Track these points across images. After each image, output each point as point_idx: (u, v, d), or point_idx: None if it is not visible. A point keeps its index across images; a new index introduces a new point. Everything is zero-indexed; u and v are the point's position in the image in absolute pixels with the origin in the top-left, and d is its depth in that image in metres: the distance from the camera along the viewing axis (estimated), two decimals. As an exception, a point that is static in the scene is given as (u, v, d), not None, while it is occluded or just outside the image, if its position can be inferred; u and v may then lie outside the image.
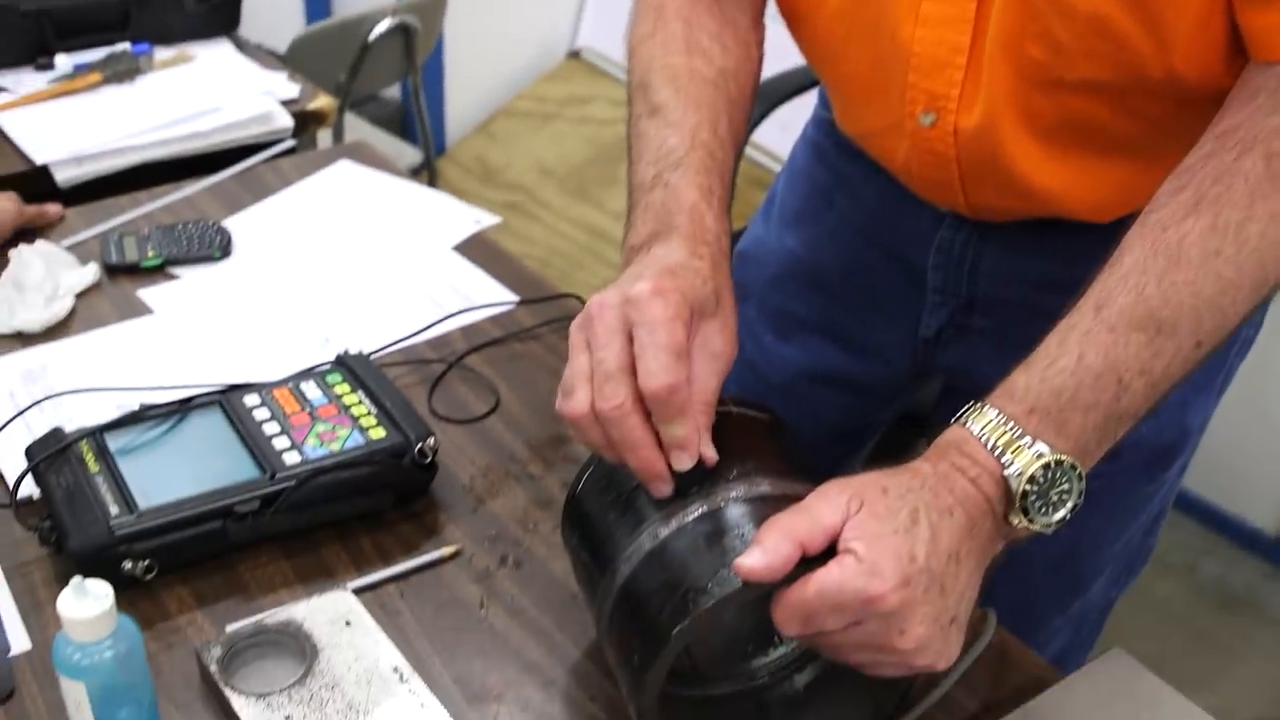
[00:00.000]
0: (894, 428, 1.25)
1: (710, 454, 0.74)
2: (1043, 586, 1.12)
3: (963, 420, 0.71)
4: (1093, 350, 0.70)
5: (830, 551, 0.66)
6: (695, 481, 0.73)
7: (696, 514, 0.71)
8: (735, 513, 0.71)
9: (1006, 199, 0.93)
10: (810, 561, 0.66)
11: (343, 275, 1.34)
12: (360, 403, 1.06)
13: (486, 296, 1.29)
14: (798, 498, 0.68)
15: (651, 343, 0.70)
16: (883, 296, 1.09)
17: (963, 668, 0.83)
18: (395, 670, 0.84)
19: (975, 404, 0.71)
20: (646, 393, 0.70)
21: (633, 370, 0.71)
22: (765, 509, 0.69)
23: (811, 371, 1.18)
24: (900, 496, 0.67)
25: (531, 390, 1.16)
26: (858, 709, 0.79)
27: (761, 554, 0.65)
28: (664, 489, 0.73)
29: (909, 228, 1.04)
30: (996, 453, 0.69)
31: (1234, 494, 2.51)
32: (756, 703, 0.82)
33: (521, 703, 0.84)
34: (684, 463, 0.73)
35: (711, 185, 0.82)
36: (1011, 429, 0.69)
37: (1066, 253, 0.79)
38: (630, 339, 0.72)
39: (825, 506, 0.67)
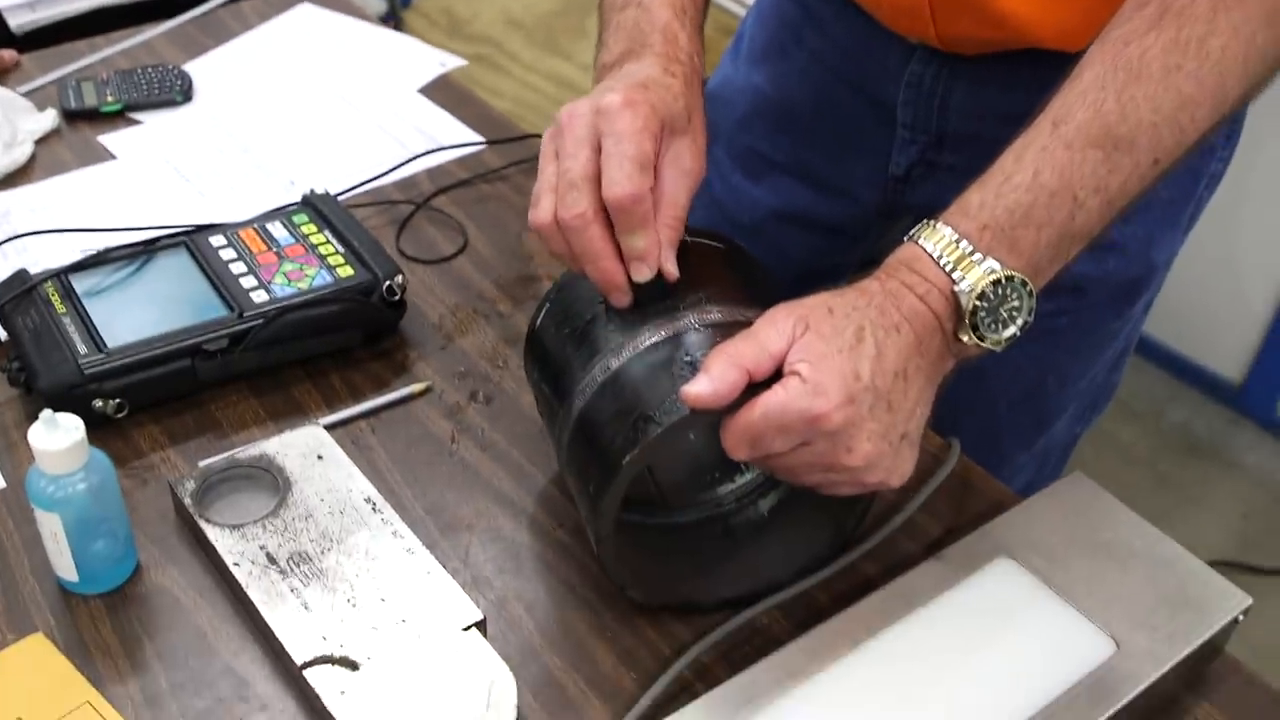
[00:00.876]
0: (863, 269, 1.23)
1: (671, 269, 0.73)
2: (1007, 421, 1.13)
3: (915, 237, 0.70)
4: (1048, 167, 0.68)
5: (779, 376, 0.66)
6: (650, 310, 0.72)
7: (647, 343, 0.70)
8: (686, 341, 0.70)
9: (977, 27, 0.91)
10: (758, 386, 0.65)
11: (307, 118, 1.32)
12: (327, 242, 1.05)
13: (453, 138, 1.27)
14: (749, 324, 0.67)
15: (617, 152, 0.70)
16: (852, 134, 1.08)
17: (925, 493, 0.84)
18: (368, 501, 0.83)
19: (928, 221, 0.70)
20: (609, 201, 0.70)
21: (598, 180, 0.71)
22: (716, 336, 0.69)
23: (780, 211, 1.16)
24: (846, 315, 0.66)
25: (500, 231, 1.15)
26: (819, 529, 0.80)
27: (708, 381, 0.64)
28: (622, 299, 0.73)
29: (878, 63, 1.02)
30: (948, 269, 0.68)
31: (1199, 342, 2.53)
32: (723, 528, 0.82)
33: (492, 532, 0.84)
34: (643, 273, 0.72)
35: (684, 5, 0.81)
36: (963, 245, 0.68)
37: (1037, 85, 0.76)
38: (598, 150, 0.71)
39: (771, 331, 0.66)
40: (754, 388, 0.65)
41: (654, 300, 0.72)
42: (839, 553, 0.80)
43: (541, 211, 0.72)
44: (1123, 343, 1.14)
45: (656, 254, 0.72)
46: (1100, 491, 0.83)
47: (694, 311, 0.71)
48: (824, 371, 0.64)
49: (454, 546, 0.83)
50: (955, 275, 0.68)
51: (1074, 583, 0.75)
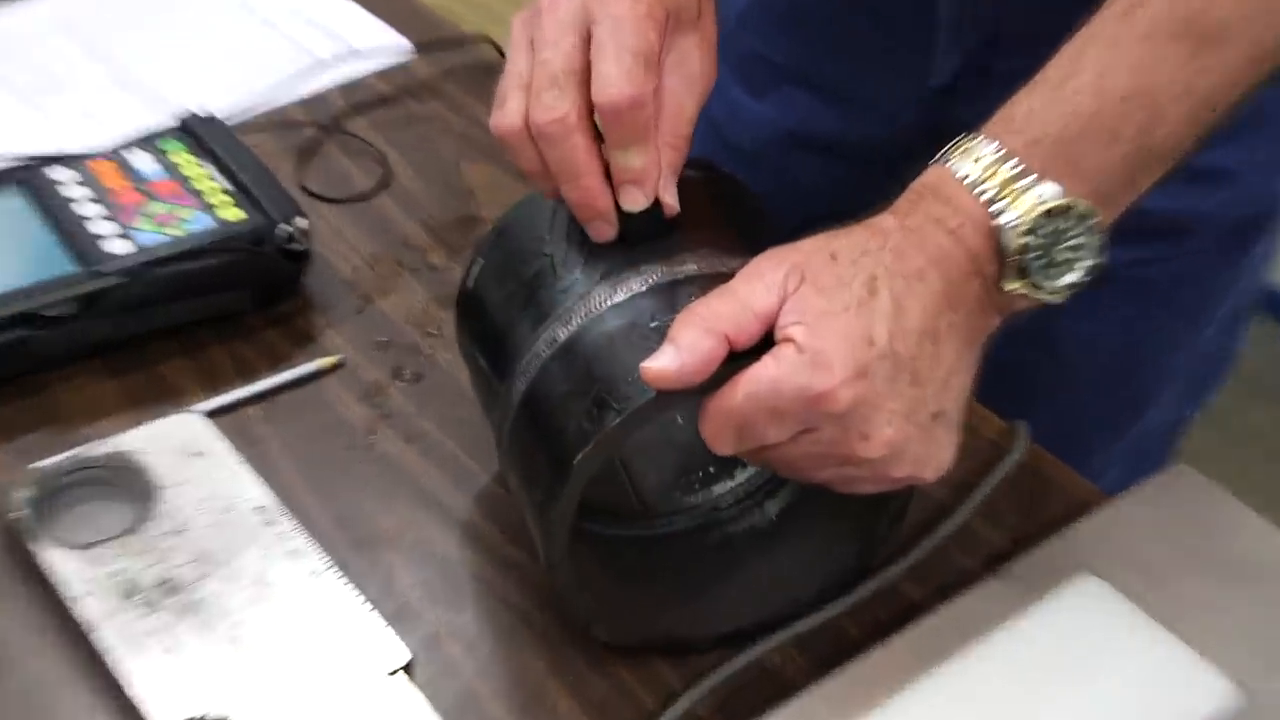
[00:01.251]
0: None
1: (671, 201, 0.73)
2: (1090, 401, 1.11)
3: (944, 158, 0.69)
4: (1119, 65, 0.67)
5: (769, 344, 0.65)
6: (609, 260, 0.73)
7: (606, 305, 0.70)
8: (652, 304, 0.70)
9: None
10: (741, 358, 0.65)
11: (182, 19, 1.29)
12: (208, 177, 1.03)
13: (373, 43, 1.25)
14: (731, 276, 0.67)
15: (614, 43, 0.69)
16: (882, 34, 1.05)
17: (984, 491, 0.82)
18: (259, 510, 0.82)
19: (963, 137, 0.69)
20: (600, 105, 0.69)
21: (585, 77, 0.70)
22: (691, 293, 0.68)
23: (792, 133, 1.14)
24: (853, 262, 0.65)
25: (432, 161, 1.15)
26: (843, 539, 0.80)
27: (673, 353, 0.64)
28: (606, 231, 0.73)
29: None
30: (986, 197, 0.67)
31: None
32: (718, 540, 0.82)
33: (422, 548, 0.84)
34: (636, 201, 0.72)
35: None
36: (1008, 166, 0.67)
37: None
38: (587, 39, 0.71)
39: (757, 285, 0.65)
40: (736, 359, 0.64)
41: (644, 239, 0.73)
42: (870, 570, 0.80)
43: (509, 114, 0.72)
44: (1239, 299, 1.12)
45: (655, 178, 0.72)
46: (1214, 489, 0.81)
47: (663, 262, 0.71)
48: (825, 335, 0.63)
49: (372, 568, 0.82)
50: (997, 205, 0.66)
51: (1183, 609, 0.74)
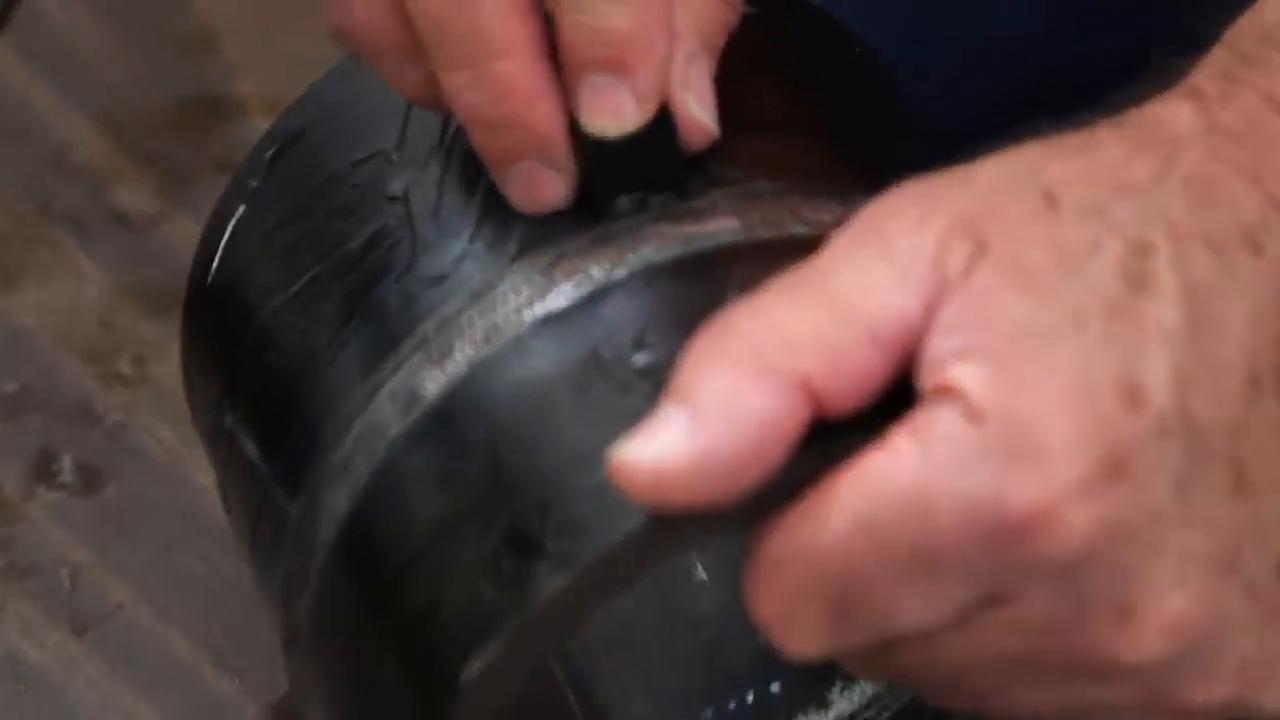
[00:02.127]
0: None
1: (699, 114, 0.51)
2: None
3: None
4: None
5: (903, 399, 0.44)
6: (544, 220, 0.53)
7: (528, 321, 0.49)
8: (634, 312, 0.50)
9: None
10: (838, 433, 0.43)
11: None
12: None
13: None
14: (815, 244, 0.46)
15: None
16: None
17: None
18: None
19: None
20: None
21: None
22: (723, 289, 0.49)
23: None
24: (1096, 212, 0.45)
25: None
26: None
27: (685, 425, 0.42)
28: (546, 191, 0.51)
29: None
30: None
31: None
32: None
33: None
34: (619, 112, 0.50)
35: None
36: None
37: None
38: None
39: (873, 270, 0.44)
40: (828, 437, 0.44)
41: (633, 195, 0.51)
42: None
43: None
44: None
45: (659, 55, 0.50)
46: None
47: (661, 215, 0.50)
48: (1034, 383, 0.44)
49: None
50: None
51: None
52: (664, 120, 0.49)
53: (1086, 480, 0.43)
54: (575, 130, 0.49)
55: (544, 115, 0.49)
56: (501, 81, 0.49)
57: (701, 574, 0.62)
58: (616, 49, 0.49)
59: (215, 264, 0.57)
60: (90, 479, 0.70)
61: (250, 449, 0.55)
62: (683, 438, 0.42)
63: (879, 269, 0.44)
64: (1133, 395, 0.43)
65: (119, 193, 0.77)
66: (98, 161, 0.79)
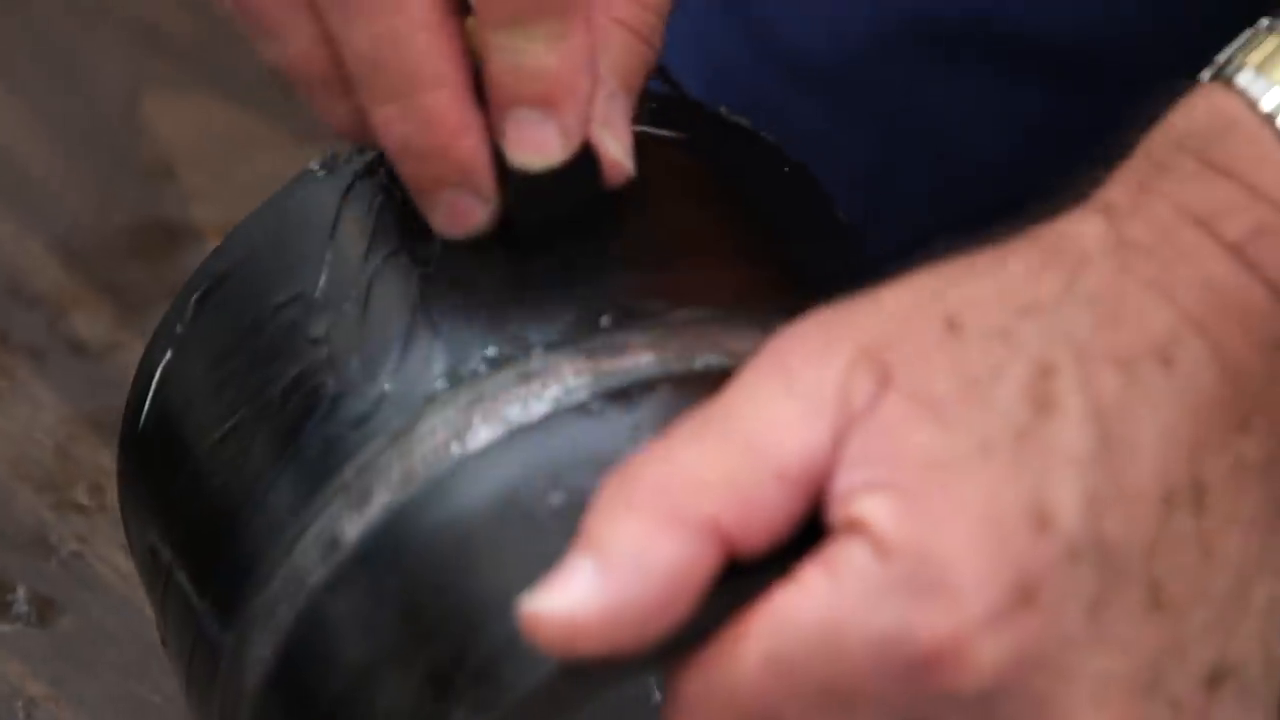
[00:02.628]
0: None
1: (616, 152, 0.53)
2: None
3: (1225, 68, 0.49)
4: None
5: (813, 536, 0.45)
6: (472, 332, 0.53)
7: (450, 459, 0.50)
8: (555, 451, 0.50)
9: None
10: (749, 574, 0.44)
11: None
12: None
13: None
14: (723, 377, 0.47)
15: None
16: None
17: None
18: None
19: (1255, 32, 0.50)
20: None
21: None
22: (641, 425, 0.50)
23: (919, 20, 0.89)
24: (1000, 335, 0.46)
25: (69, 72, 0.88)
26: None
27: (593, 571, 0.44)
28: (466, 216, 0.53)
29: None
30: None
31: None
32: None
33: None
34: (544, 146, 0.53)
35: None
36: None
37: None
38: None
39: (780, 405, 0.45)
40: (739, 578, 0.45)
41: (555, 235, 0.54)
42: None
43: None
44: None
45: (584, 94, 0.53)
46: None
47: (581, 349, 0.51)
48: (942, 515, 0.44)
49: None
50: None
51: None
52: (584, 154, 0.51)
53: (996, 610, 0.43)
54: (499, 160, 0.51)
55: (470, 146, 0.51)
56: (430, 113, 0.51)
57: (659, 697, 0.55)
58: (545, 87, 0.50)
59: (146, 408, 0.58)
60: (45, 610, 0.69)
61: (185, 588, 0.56)
62: (592, 588, 0.43)
63: (784, 404, 0.45)
64: (1041, 521, 0.44)
65: (76, 320, 0.78)
66: (55, 289, 0.79)
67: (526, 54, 0.51)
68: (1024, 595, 0.43)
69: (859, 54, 0.86)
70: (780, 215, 0.59)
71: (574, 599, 0.43)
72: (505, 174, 0.52)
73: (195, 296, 0.55)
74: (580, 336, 0.51)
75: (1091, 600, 0.44)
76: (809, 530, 0.44)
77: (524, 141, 0.52)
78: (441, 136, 0.53)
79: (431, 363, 0.51)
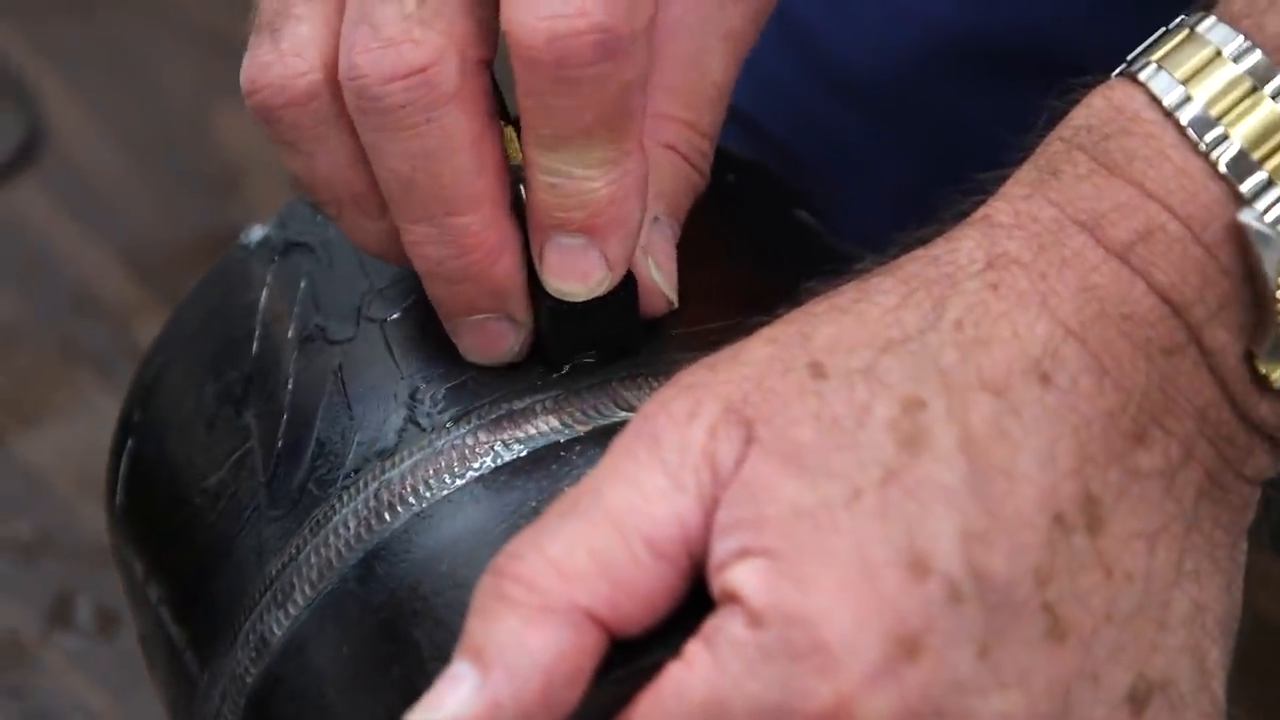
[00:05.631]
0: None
1: (662, 284, 0.50)
2: None
3: (1133, 60, 0.46)
4: None
5: (700, 608, 0.43)
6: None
7: (357, 557, 0.49)
8: (442, 534, 0.50)
9: None
10: (634, 653, 0.43)
11: None
12: None
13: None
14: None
15: None
16: None
17: None
18: None
19: (1165, 32, 0.47)
20: (522, 42, 0.45)
21: None
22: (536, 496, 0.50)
23: (976, 34, 0.82)
24: (863, 373, 0.45)
25: (138, 96, 0.91)
26: None
27: (470, 676, 0.43)
28: (497, 344, 0.50)
29: None
30: (1220, 154, 0.45)
31: None
32: None
33: None
34: (587, 277, 0.49)
35: None
36: (1252, 81, 0.46)
37: None
38: None
39: (645, 474, 0.43)
40: (624, 658, 0.43)
41: (590, 359, 0.50)
42: None
43: (291, 56, 0.48)
44: None
45: (635, 223, 0.49)
46: None
47: (485, 423, 0.51)
48: (812, 576, 0.43)
49: None
50: (1250, 179, 0.45)
51: None
52: (626, 284, 0.48)
53: (876, 667, 0.42)
54: (534, 285, 0.49)
55: (505, 270, 0.49)
56: (465, 235, 0.48)
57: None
58: (592, 214, 0.48)
59: (118, 493, 0.57)
60: (107, 622, 0.71)
61: (159, 653, 0.55)
62: (471, 695, 0.42)
63: (651, 474, 0.43)
64: (916, 565, 0.43)
65: (141, 331, 0.80)
66: (120, 299, 0.84)
67: (575, 179, 0.49)
68: (906, 646, 0.42)
69: (906, 72, 0.82)
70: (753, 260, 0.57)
71: (457, 707, 0.42)
72: (538, 295, 0.50)
73: (145, 388, 0.56)
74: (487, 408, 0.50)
75: (981, 640, 0.43)
76: (701, 599, 0.43)
77: (565, 269, 0.50)
78: (476, 260, 0.51)
79: (345, 454, 0.50)
